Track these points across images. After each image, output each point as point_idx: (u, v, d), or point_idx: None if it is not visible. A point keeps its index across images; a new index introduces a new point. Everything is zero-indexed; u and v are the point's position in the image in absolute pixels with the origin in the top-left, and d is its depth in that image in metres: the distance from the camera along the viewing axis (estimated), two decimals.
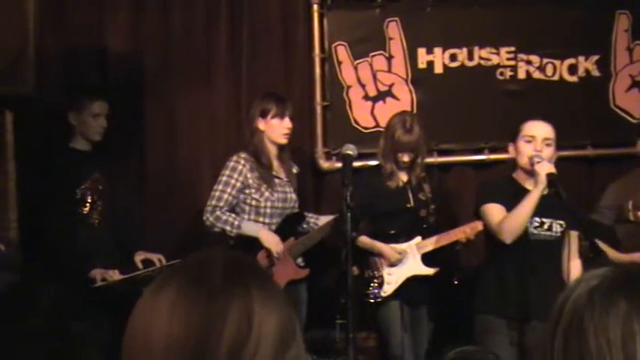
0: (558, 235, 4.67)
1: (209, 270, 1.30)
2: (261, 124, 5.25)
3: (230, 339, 1.23)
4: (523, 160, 4.62)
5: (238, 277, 1.29)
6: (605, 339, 1.36)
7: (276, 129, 5.24)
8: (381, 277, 5.25)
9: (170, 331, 1.24)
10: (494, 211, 4.62)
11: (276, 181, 5.29)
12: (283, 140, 5.27)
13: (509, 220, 4.52)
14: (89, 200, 5.21)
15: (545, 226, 4.64)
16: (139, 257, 5.25)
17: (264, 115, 5.24)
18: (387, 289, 5.24)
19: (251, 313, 1.25)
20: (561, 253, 4.70)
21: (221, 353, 1.22)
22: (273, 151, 5.29)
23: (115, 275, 4.97)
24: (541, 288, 4.59)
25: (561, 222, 4.65)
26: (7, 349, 4.59)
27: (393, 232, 5.26)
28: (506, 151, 4.97)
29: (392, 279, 5.25)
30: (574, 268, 4.67)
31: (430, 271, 5.27)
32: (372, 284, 5.24)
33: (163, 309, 1.26)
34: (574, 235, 4.69)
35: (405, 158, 5.24)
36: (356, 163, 4.47)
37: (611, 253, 5.06)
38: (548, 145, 4.62)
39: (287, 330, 1.29)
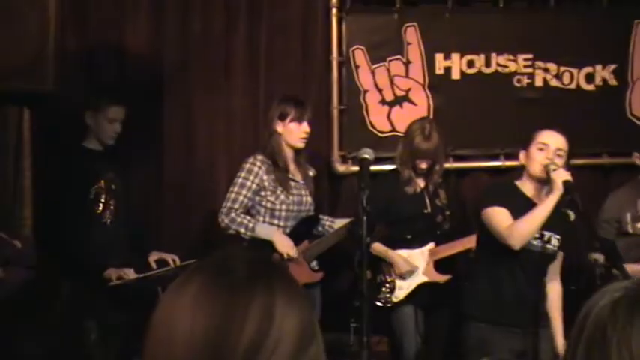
0: (555, 249, 4.63)
1: (232, 266, 1.31)
2: (279, 127, 5.24)
3: (250, 334, 1.23)
4: (535, 168, 4.56)
5: (261, 274, 1.30)
6: (628, 351, 1.36)
7: (294, 133, 5.23)
8: (393, 281, 5.26)
9: (192, 324, 1.25)
10: (501, 215, 4.53)
11: (292, 184, 5.29)
12: (300, 144, 5.26)
13: (521, 226, 4.45)
14: (102, 200, 5.21)
15: (545, 238, 4.59)
16: (152, 257, 5.25)
17: (282, 118, 5.23)
18: (399, 294, 5.25)
19: (272, 310, 1.25)
20: (548, 271, 4.67)
21: (240, 348, 1.22)
22: (289, 154, 5.29)
23: (130, 274, 4.98)
24: (535, 296, 4.57)
25: (559, 237, 4.61)
26: (23, 343, 4.61)
27: (409, 237, 5.27)
28: None
29: (404, 284, 5.25)
30: (552, 289, 4.66)
31: (443, 277, 5.27)
32: (383, 288, 5.25)
33: (186, 302, 1.27)
34: (560, 255, 4.67)
35: (423, 165, 5.25)
36: (372, 168, 4.47)
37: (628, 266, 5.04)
38: (559, 155, 4.55)
39: (307, 329, 1.29)
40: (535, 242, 4.55)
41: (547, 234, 4.56)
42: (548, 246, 4.58)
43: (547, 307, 4.65)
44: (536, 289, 4.60)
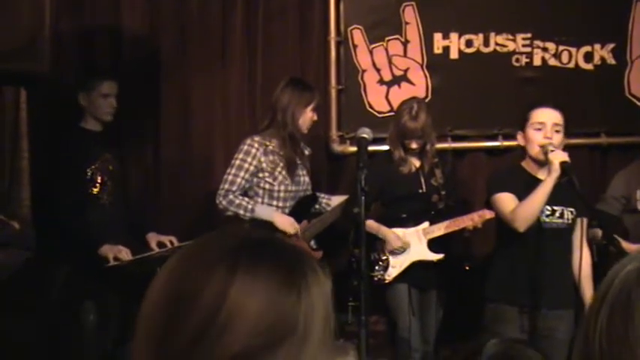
0: (570, 222, 4.67)
1: (207, 245, 1.29)
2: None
3: (202, 308, 1.21)
4: (534, 149, 4.60)
5: (229, 254, 1.26)
6: None
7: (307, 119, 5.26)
8: (387, 260, 5.25)
9: (159, 287, 1.26)
10: (506, 200, 4.62)
11: None
12: (305, 130, 5.29)
13: (522, 209, 4.51)
14: (99, 180, 5.22)
15: (557, 214, 4.64)
16: (152, 240, 5.25)
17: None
18: (392, 273, 5.25)
19: (227, 290, 1.21)
20: (572, 241, 4.69)
21: (188, 328, 1.21)
22: None
23: (127, 254, 4.98)
24: (552, 276, 4.60)
25: (572, 209, 4.65)
26: (21, 324, 4.62)
27: (404, 216, 5.27)
28: None
29: (397, 262, 5.25)
30: (584, 256, 4.66)
31: (436, 256, 5.27)
32: (377, 267, 5.24)
33: (160, 279, 1.27)
34: (584, 222, 4.68)
35: (413, 145, 5.24)
36: (369, 147, 4.47)
37: (624, 244, 5.05)
38: (557, 131, 4.60)
39: (282, 319, 1.23)
40: (548, 220, 4.59)
41: (559, 209, 4.60)
42: (561, 221, 4.62)
43: (577, 278, 4.65)
44: (559, 267, 4.62)
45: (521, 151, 4.78)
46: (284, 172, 5.21)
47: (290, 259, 1.30)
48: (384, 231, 5.24)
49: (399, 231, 5.27)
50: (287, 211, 5.25)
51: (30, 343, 4.67)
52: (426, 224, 5.26)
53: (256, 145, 5.20)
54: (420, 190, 5.29)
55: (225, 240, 1.30)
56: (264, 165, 5.19)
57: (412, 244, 5.26)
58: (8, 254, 4.68)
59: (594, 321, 1.42)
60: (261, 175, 5.20)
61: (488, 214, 4.94)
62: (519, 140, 4.72)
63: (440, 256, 5.27)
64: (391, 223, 5.26)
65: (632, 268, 1.43)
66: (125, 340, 4.81)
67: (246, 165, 5.17)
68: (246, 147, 5.20)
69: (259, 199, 5.22)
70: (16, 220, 4.93)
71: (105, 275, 4.95)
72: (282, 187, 5.23)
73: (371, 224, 5.18)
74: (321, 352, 1.26)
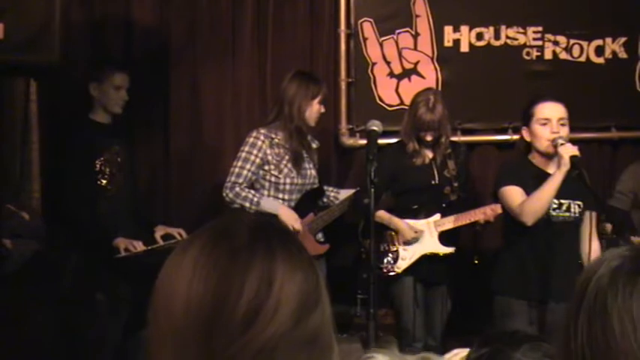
0: (577, 215, 4.66)
1: (233, 230, 1.29)
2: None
3: (248, 300, 1.22)
4: (542, 144, 4.59)
5: (262, 239, 1.28)
6: (631, 322, 1.37)
7: (314, 112, 5.25)
8: (396, 251, 5.23)
9: (189, 287, 1.24)
10: (514, 193, 4.61)
11: None
12: (313, 123, 5.27)
13: (531, 202, 4.50)
14: (107, 172, 5.23)
15: (564, 207, 4.63)
16: (159, 232, 5.25)
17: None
18: (401, 265, 5.23)
19: (272, 275, 1.24)
20: (580, 234, 4.68)
21: (238, 313, 1.22)
22: None
23: (139, 246, 4.99)
24: (560, 269, 4.59)
25: (579, 202, 4.64)
26: (31, 315, 4.62)
27: (415, 207, 5.25)
28: None
29: (407, 254, 5.23)
30: (593, 248, 4.65)
31: (446, 250, 5.25)
32: (386, 258, 5.23)
33: (186, 267, 1.26)
34: (593, 215, 4.67)
35: (428, 137, 5.21)
36: (379, 141, 4.46)
37: (634, 239, 5.04)
38: (563, 124, 4.60)
39: (310, 296, 1.27)
40: (554, 213, 4.59)
41: (566, 202, 4.60)
42: (568, 214, 4.62)
43: None
44: (567, 260, 4.61)
45: (525, 146, 4.76)
46: (290, 165, 5.21)
47: (296, 237, 1.37)
48: (395, 222, 5.22)
49: (409, 222, 5.25)
50: (293, 204, 5.25)
51: (41, 334, 4.68)
52: (437, 216, 5.24)
53: (262, 137, 5.20)
54: (433, 182, 5.27)
55: (241, 226, 1.31)
56: (269, 157, 5.19)
57: (422, 237, 5.25)
58: (18, 245, 4.69)
59: (574, 329, 1.43)
60: (266, 167, 5.20)
61: (499, 208, 4.92)
62: (525, 136, 4.71)
63: (451, 249, 5.25)
64: (402, 214, 5.24)
65: (603, 273, 1.43)
66: (136, 329, 4.82)
67: (252, 157, 5.18)
68: (252, 139, 5.21)
69: (265, 192, 5.22)
70: (26, 211, 4.94)
71: (115, 266, 4.96)
72: (288, 180, 5.22)
73: (382, 215, 5.16)
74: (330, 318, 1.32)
